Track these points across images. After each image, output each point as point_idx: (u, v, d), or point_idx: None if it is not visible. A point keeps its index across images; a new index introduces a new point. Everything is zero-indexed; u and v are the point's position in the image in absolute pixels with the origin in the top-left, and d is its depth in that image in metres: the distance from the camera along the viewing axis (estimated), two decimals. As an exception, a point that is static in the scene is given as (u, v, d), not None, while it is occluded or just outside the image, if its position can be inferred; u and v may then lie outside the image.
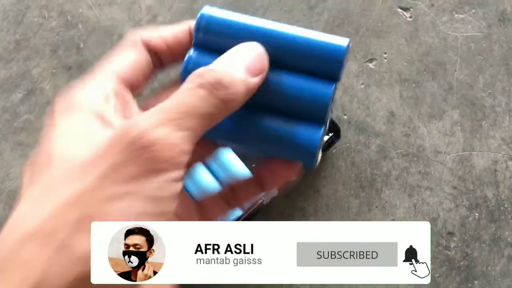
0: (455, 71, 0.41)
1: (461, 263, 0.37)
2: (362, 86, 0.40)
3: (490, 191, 0.38)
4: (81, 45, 0.40)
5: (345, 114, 0.40)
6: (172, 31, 0.25)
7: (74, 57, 0.39)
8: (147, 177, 0.19)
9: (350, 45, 0.22)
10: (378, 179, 0.38)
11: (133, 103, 0.23)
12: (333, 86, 0.22)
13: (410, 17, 0.42)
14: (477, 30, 0.42)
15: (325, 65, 0.22)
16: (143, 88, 0.24)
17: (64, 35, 0.40)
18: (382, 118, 0.40)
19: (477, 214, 0.38)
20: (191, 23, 0.25)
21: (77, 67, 0.39)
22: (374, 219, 0.38)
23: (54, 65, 0.39)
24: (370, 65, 0.41)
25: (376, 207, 0.38)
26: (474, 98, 0.40)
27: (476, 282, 0.37)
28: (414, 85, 0.40)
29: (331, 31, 0.41)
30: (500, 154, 0.39)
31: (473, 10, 0.42)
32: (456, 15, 0.42)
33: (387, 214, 0.38)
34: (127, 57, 0.24)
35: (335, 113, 0.40)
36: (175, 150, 0.19)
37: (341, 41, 0.22)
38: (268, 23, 0.23)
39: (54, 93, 0.39)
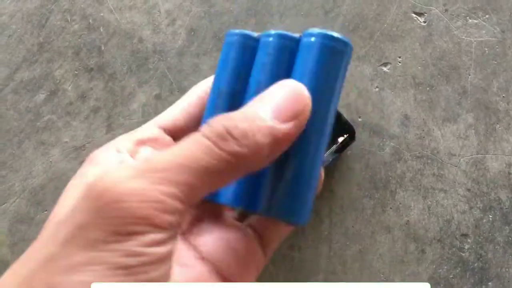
0: (469, 75, 0.41)
1: (475, 264, 0.37)
2: (377, 89, 0.41)
3: (504, 193, 0.39)
4: (102, 48, 0.41)
5: (359, 117, 0.40)
6: (181, 109, 0.23)
7: (96, 59, 0.40)
8: (114, 241, 0.15)
9: None
10: (393, 180, 0.39)
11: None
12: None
13: (424, 22, 0.42)
14: (491, 35, 0.42)
15: None
16: None
17: (86, 38, 0.41)
18: (396, 121, 0.40)
19: (491, 216, 0.38)
20: (199, 91, 0.23)
21: (98, 68, 0.40)
22: (389, 221, 0.38)
23: (76, 66, 0.40)
24: (385, 69, 0.41)
25: (391, 208, 0.38)
26: (488, 102, 0.41)
27: (490, 283, 0.37)
28: (428, 88, 0.41)
29: (346, 35, 0.42)
30: (514, 157, 0.39)
31: (487, 16, 0.42)
32: (470, 20, 0.42)
33: (401, 215, 0.38)
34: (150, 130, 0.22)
35: (349, 116, 0.40)
36: (153, 207, 0.15)
37: None
38: None
39: (76, 94, 0.40)
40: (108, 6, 0.42)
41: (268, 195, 0.20)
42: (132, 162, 0.17)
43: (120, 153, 0.20)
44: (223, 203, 0.21)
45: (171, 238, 0.16)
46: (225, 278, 0.20)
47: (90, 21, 0.41)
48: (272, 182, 0.20)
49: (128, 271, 0.15)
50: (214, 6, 0.42)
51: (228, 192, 0.21)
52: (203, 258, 0.20)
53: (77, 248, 0.15)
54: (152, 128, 0.23)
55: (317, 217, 0.38)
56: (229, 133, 0.16)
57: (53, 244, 0.16)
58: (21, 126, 0.39)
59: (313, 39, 0.20)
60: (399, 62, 0.42)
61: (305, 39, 0.21)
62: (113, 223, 0.15)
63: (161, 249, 0.15)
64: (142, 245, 0.15)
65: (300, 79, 0.19)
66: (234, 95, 0.22)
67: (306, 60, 0.20)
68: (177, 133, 0.23)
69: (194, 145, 0.16)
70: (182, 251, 0.20)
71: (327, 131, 0.20)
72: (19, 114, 0.39)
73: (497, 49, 0.42)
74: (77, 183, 0.19)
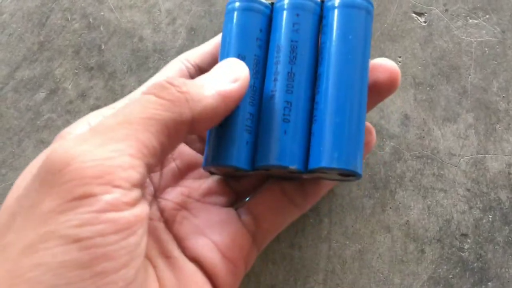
0: (469, 75, 0.41)
1: (475, 264, 0.37)
2: (377, 89, 0.41)
3: (504, 193, 0.39)
4: (103, 47, 0.41)
5: (359, 116, 0.40)
6: (205, 49, 0.25)
7: (96, 58, 0.40)
8: (67, 209, 0.14)
9: None
10: (392, 180, 0.39)
11: None
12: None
13: (425, 22, 0.42)
14: (491, 35, 0.42)
15: None
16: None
17: (86, 37, 0.41)
18: (396, 120, 0.40)
19: (490, 217, 0.38)
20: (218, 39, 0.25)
21: (98, 67, 0.40)
22: (388, 220, 0.38)
23: (76, 65, 0.40)
24: (385, 68, 0.41)
25: (390, 208, 0.38)
26: (488, 102, 0.40)
27: (490, 283, 0.37)
28: (428, 88, 0.41)
29: (346, 35, 0.42)
30: (514, 158, 0.39)
31: (487, 16, 0.42)
32: (470, 20, 0.42)
33: (401, 215, 0.38)
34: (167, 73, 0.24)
35: (349, 115, 0.40)
36: (103, 164, 0.14)
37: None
38: None
39: (76, 92, 0.40)
40: (109, 5, 0.42)
41: (330, 149, 0.21)
42: (85, 131, 0.16)
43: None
44: (275, 165, 0.21)
45: (135, 202, 0.15)
46: (210, 275, 0.20)
47: (91, 20, 0.41)
48: (333, 135, 0.21)
49: (82, 244, 0.13)
50: (214, 5, 0.42)
51: (278, 153, 0.21)
52: (187, 250, 0.20)
53: (33, 226, 0.14)
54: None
55: (317, 216, 0.38)
56: (169, 83, 0.17)
57: (12, 225, 0.15)
58: (21, 124, 0.39)
59: (337, 2, 0.22)
60: (399, 62, 0.41)
61: (329, 3, 0.23)
62: (66, 189, 0.14)
63: (122, 214, 0.14)
64: (97, 210, 0.13)
65: (331, 40, 0.22)
66: (257, 62, 0.23)
67: (336, 21, 0.22)
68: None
69: (135, 103, 0.16)
70: (164, 242, 0.20)
71: (366, 84, 0.22)
72: (19, 113, 0.39)
73: (498, 49, 0.42)
74: (39, 158, 0.19)
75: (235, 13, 0.24)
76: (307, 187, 0.25)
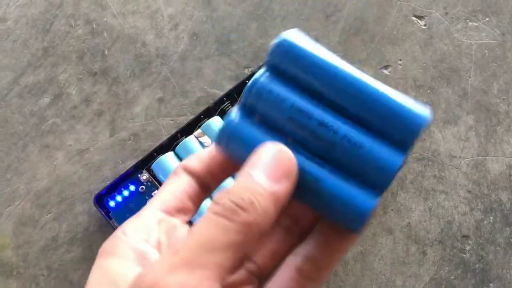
0: (470, 77, 0.41)
1: (476, 265, 0.38)
2: (378, 92, 0.41)
3: (505, 195, 0.39)
4: (106, 52, 0.41)
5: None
6: (209, 151, 0.23)
7: (99, 63, 0.41)
8: None
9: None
10: (394, 182, 0.39)
11: (181, 227, 0.21)
12: (403, 157, 0.19)
13: (425, 25, 0.43)
14: (491, 38, 0.42)
15: (399, 132, 0.19)
16: (194, 211, 0.23)
17: (89, 43, 0.41)
18: (397, 123, 0.40)
19: (491, 218, 0.38)
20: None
21: (101, 72, 0.41)
22: (390, 222, 0.38)
23: (80, 71, 0.41)
24: (385, 71, 0.42)
25: (392, 209, 0.39)
26: (489, 104, 0.41)
27: (491, 284, 0.37)
28: (429, 91, 0.41)
29: (347, 39, 0.42)
30: (514, 159, 0.40)
31: (487, 19, 0.43)
32: (470, 23, 0.43)
33: (402, 217, 0.39)
34: (169, 186, 0.22)
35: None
36: None
37: (424, 111, 0.19)
38: (347, 66, 0.20)
39: (80, 97, 0.40)
40: (112, 11, 0.42)
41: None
42: (165, 254, 0.18)
43: (151, 237, 0.20)
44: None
45: None
46: None
47: (94, 26, 0.42)
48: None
49: None
50: (216, 10, 0.42)
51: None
52: None
53: None
54: (172, 182, 0.23)
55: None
56: (238, 205, 0.18)
57: None
58: (26, 129, 0.40)
59: None
60: (400, 65, 0.42)
61: None
62: None
63: None
64: None
65: None
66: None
67: None
68: (201, 173, 0.23)
69: (209, 225, 0.17)
70: None
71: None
72: (24, 118, 0.40)
73: (497, 52, 0.42)
74: (100, 278, 0.20)
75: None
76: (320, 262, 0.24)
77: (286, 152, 0.19)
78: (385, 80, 0.41)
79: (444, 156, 0.40)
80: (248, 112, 0.20)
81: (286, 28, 0.42)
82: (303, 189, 0.20)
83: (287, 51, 0.20)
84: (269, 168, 0.19)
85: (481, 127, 0.40)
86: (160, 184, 0.38)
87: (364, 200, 0.19)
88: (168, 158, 0.38)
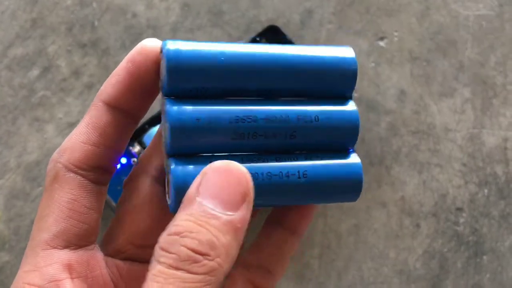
0: (466, 49, 0.41)
1: (470, 238, 0.37)
2: (373, 64, 0.40)
3: (500, 168, 0.39)
4: (96, 24, 0.40)
5: (355, 92, 0.40)
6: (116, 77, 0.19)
7: (89, 35, 0.40)
8: None
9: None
10: (388, 156, 0.39)
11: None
12: (352, 102, 0.19)
13: (422, -4, 0.42)
14: (489, 9, 0.41)
15: (339, 84, 0.19)
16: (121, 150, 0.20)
17: (78, 14, 0.41)
18: (392, 96, 0.40)
19: (486, 191, 0.38)
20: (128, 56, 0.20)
21: (91, 44, 0.40)
22: (384, 196, 0.38)
23: (69, 42, 0.40)
24: (381, 43, 0.41)
25: (386, 183, 0.38)
26: (485, 77, 0.40)
27: (484, 257, 0.37)
28: (425, 63, 0.40)
29: (342, 10, 0.41)
30: (510, 132, 0.39)
31: (485, -11, 0.42)
32: (468, -6, 0.42)
33: (396, 190, 0.38)
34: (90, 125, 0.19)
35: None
36: None
37: (348, 53, 0.19)
38: (253, 48, 0.18)
39: (70, 70, 0.40)
40: (101, -19, 0.41)
41: None
42: None
43: None
44: None
45: None
46: None
47: (83, -4, 0.41)
48: None
49: None
50: (208, -20, 0.41)
51: None
52: None
53: None
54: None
55: (312, 192, 0.38)
56: (196, 252, 0.15)
57: None
58: (15, 102, 0.39)
59: None
60: (396, 37, 0.41)
61: None
62: None
63: None
64: None
65: None
66: None
67: None
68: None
69: (166, 284, 0.14)
70: None
71: None
72: (13, 91, 0.39)
73: (495, 23, 0.41)
74: None
75: None
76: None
77: (237, 168, 0.16)
78: (380, 52, 0.41)
79: (439, 129, 0.39)
80: (186, 158, 0.17)
81: (280, -2, 0.41)
82: (277, 193, 0.18)
83: (182, 63, 0.17)
84: (222, 192, 0.15)
85: (477, 99, 0.40)
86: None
87: (351, 166, 0.19)
88: (160, 131, 0.37)
